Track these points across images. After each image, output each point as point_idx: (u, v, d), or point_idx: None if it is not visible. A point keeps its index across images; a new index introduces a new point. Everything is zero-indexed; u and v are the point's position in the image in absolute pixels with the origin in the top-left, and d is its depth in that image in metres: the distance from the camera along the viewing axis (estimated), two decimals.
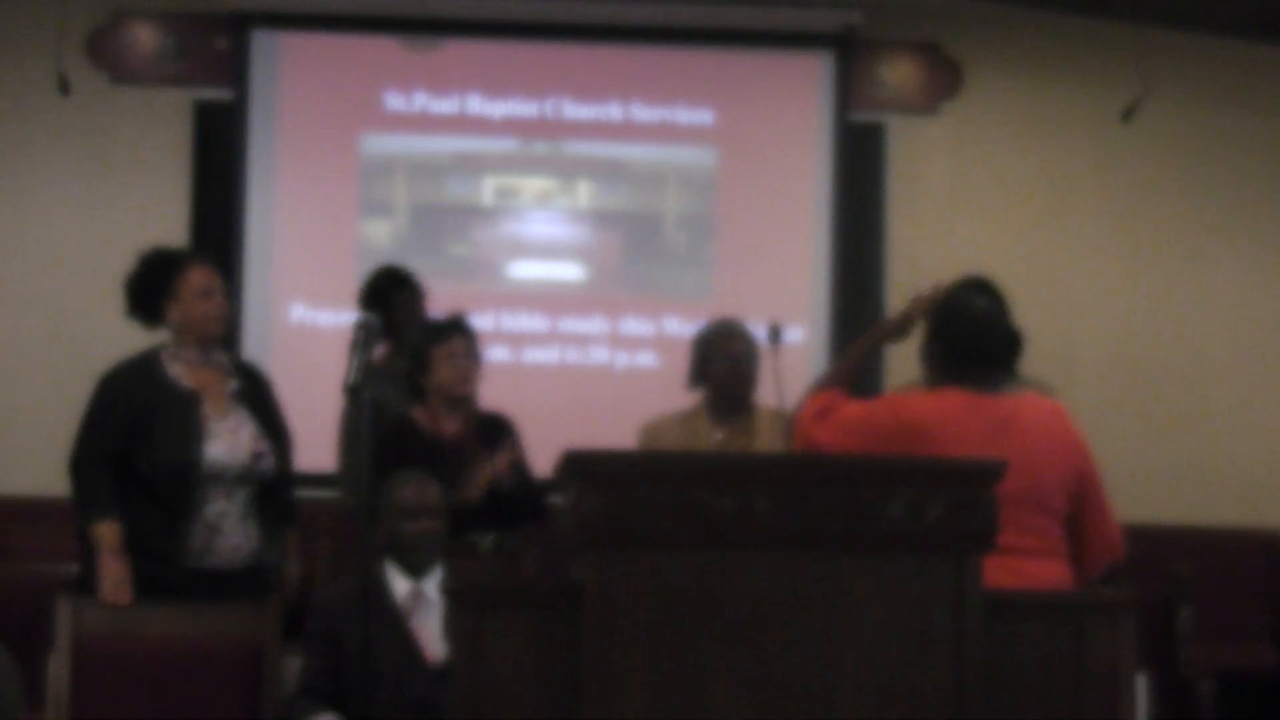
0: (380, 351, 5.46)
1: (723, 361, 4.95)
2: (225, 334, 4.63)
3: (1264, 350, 7.38)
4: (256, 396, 4.57)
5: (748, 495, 3.03)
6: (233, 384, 4.53)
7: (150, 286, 4.53)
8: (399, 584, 4.29)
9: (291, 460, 4.63)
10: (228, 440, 4.42)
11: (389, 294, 5.59)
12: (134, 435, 4.37)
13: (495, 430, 5.03)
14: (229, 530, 4.40)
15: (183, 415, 4.40)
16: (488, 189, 7.30)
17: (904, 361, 7.05)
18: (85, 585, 4.35)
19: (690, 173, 7.32)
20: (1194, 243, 7.42)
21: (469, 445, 4.94)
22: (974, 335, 3.84)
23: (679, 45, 7.31)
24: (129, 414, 4.38)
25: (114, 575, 4.27)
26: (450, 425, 4.97)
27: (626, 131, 7.29)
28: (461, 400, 4.99)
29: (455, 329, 5.04)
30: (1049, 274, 7.29)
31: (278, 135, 7.18)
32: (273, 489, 4.51)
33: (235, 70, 7.16)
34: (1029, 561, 3.64)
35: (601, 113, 7.29)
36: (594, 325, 7.24)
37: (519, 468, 5.00)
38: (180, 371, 4.47)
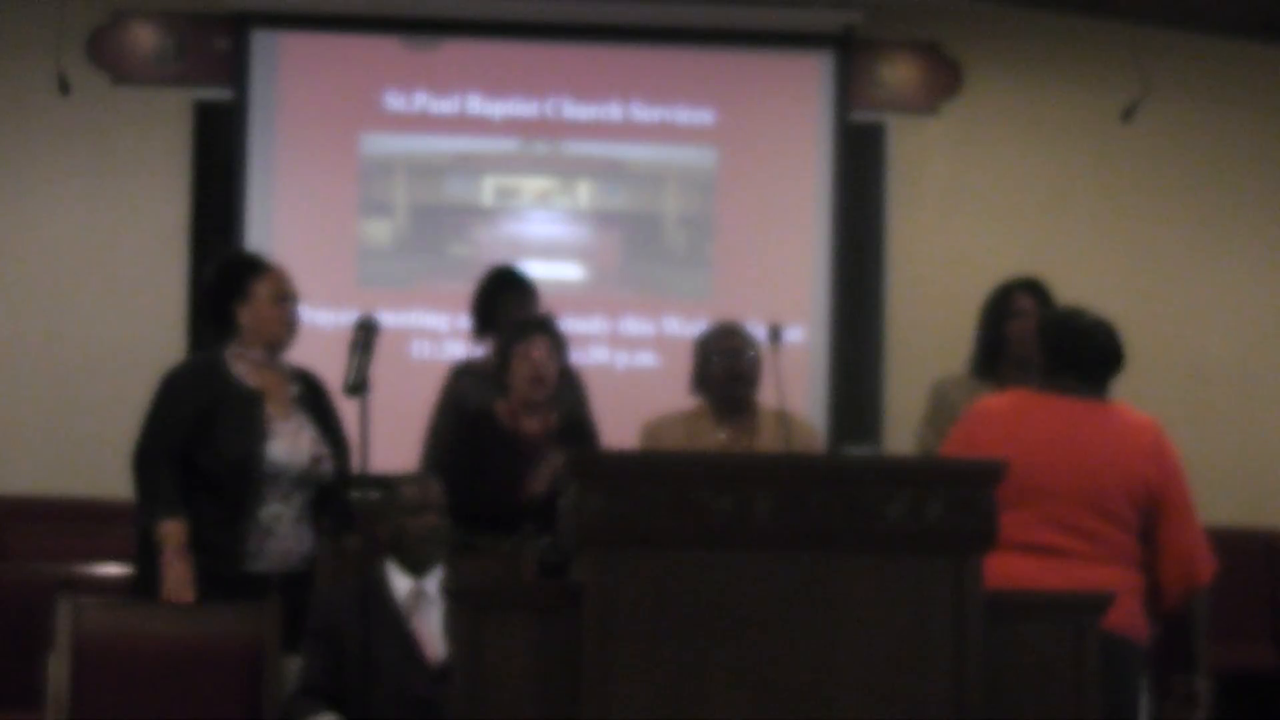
0: (486, 352, 5.41)
1: (723, 361, 4.95)
2: (293, 339, 4.61)
3: (1264, 350, 7.38)
4: (317, 403, 4.59)
5: (748, 495, 3.04)
6: (295, 389, 4.55)
7: (225, 289, 4.55)
8: (400, 583, 4.29)
9: (350, 468, 4.61)
10: (289, 441, 4.43)
11: (497, 295, 5.51)
12: (197, 430, 4.37)
13: (576, 438, 4.91)
14: (282, 533, 4.41)
15: (246, 412, 4.41)
16: (488, 189, 7.30)
17: (907, 362, 7.08)
18: (143, 586, 4.36)
19: (690, 173, 7.32)
20: (1194, 242, 7.42)
21: (548, 447, 4.84)
22: (1084, 351, 3.90)
23: (679, 45, 7.31)
24: (193, 410, 4.39)
25: (178, 575, 4.27)
26: (531, 424, 4.88)
27: (626, 131, 7.29)
28: (537, 402, 4.89)
29: (537, 328, 4.96)
30: (1049, 274, 7.20)
31: (278, 135, 7.18)
32: (331, 495, 4.52)
33: (235, 70, 7.15)
34: (1078, 566, 3.66)
35: (601, 113, 7.29)
36: (594, 325, 7.24)
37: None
38: (244, 370, 4.50)
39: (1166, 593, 3.89)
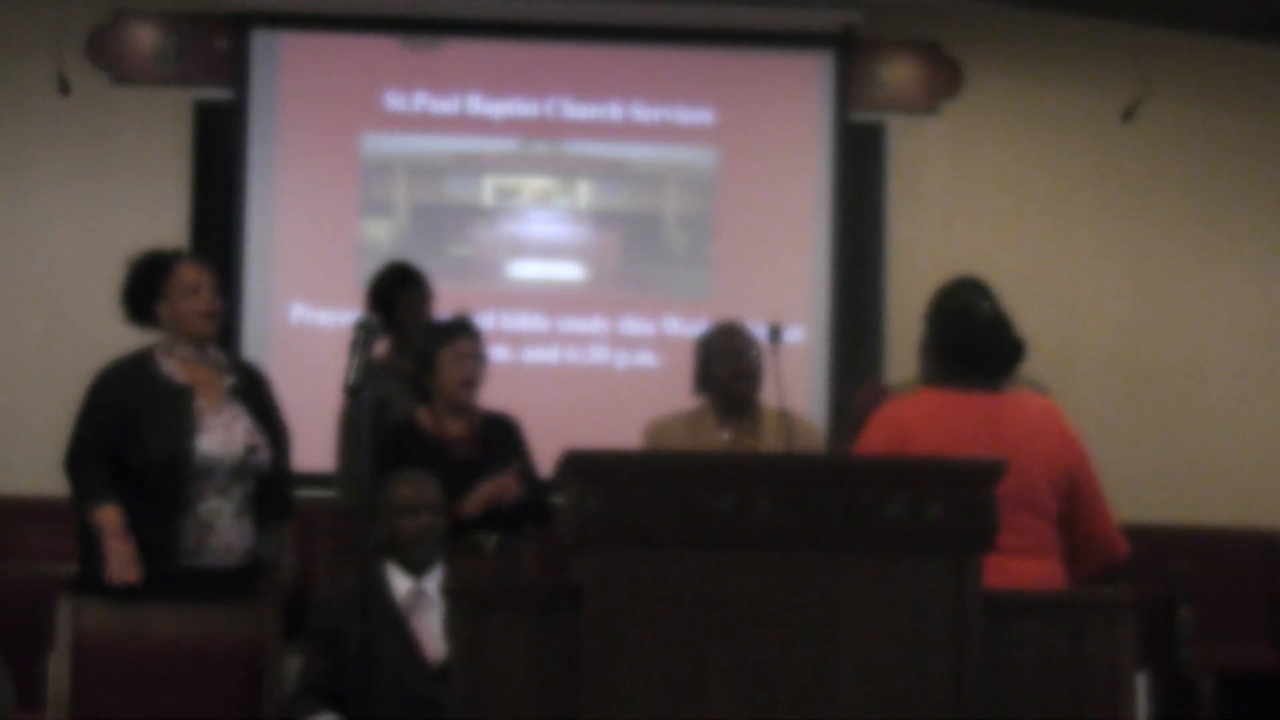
0: (383, 349, 5.44)
1: (726, 361, 4.95)
2: (217, 329, 4.60)
3: (1264, 350, 7.38)
4: (253, 393, 4.56)
5: (748, 495, 3.04)
6: (229, 380, 4.53)
7: (141, 290, 4.54)
8: (399, 583, 4.30)
9: (289, 456, 4.62)
10: (221, 434, 4.41)
11: (395, 291, 5.55)
12: (126, 430, 4.37)
13: (502, 432, 5.00)
14: (222, 528, 4.39)
15: (174, 409, 4.40)
16: (488, 189, 7.29)
17: (907, 362, 7.07)
18: (86, 583, 4.34)
19: (690, 173, 7.32)
20: (1194, 242, 7.42)
21: (475, 448, 4.93)
22: (977, 342, 3.83)
23: (679, 45, 7.31)
24: (122, 409, 4.39)
25: (120, 554, 4.28)
26: (455, 427, 4.93)
27: (626, 131, 7.28)
28: (466, 404, 4.96)
29: (462, 330, 5.00)
30: (1049, 274, 7.28)
31: (278, 135, 7.18)
32: (270, 485, 4.51)
33: (235, 70, 7.15)
34: (1012, 560, 3.64)
35: (601, 113, 7.29)
36: (594, 325, 7.24)
37: (527, 473, 4.99)
38: (173, 367, 4.48)
39: (1088, 566, 3.89)
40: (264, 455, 4.47)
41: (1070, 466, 3.81)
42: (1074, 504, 3.82)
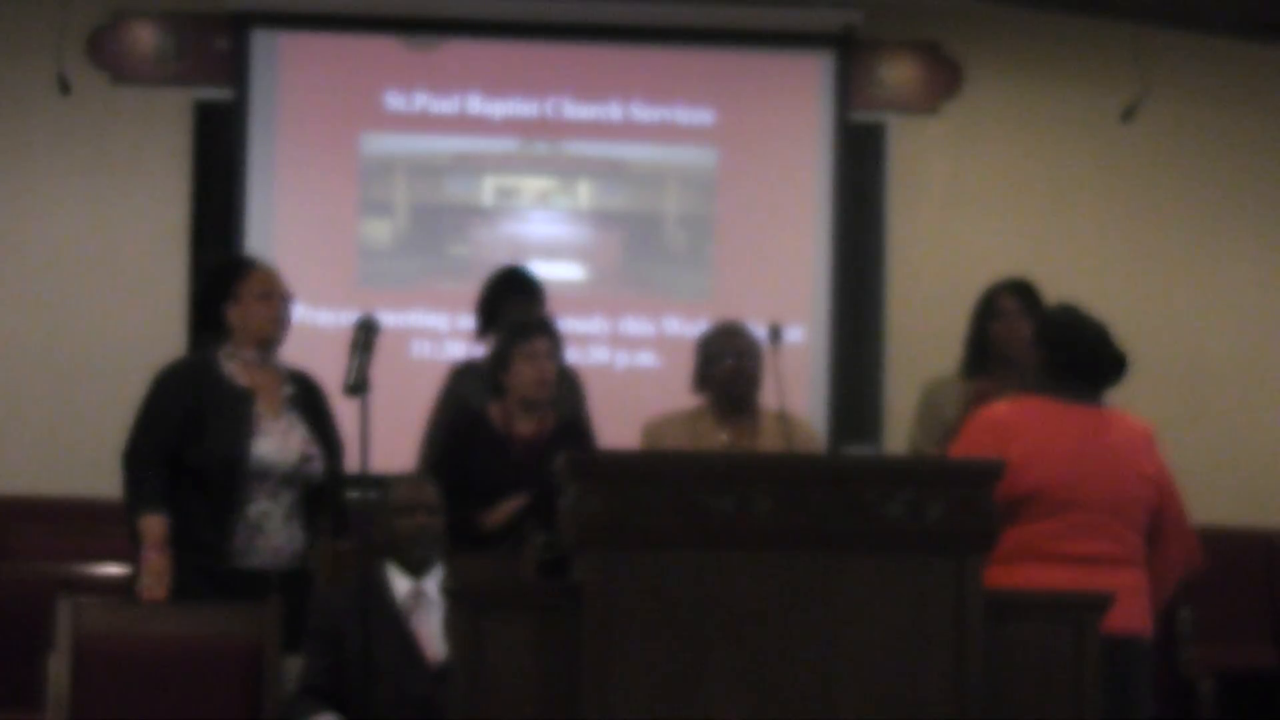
0: (488, 352, 5.39)
1: (726, 361, 4.95)
2: (284, 338, 4.64)
3: (1264, 350, 7.38)
4: (311, 404, 4.61)
5: (748, 495, 3.04)
6: (288, 389, 4.58)
7: (213, 292, 4.59)
8: (400, 583, 4.30)
9: (343, 469, 4.62)
10: (278, 440, 4.46)
11: (501, 299, 5.48)
12: (186, 430, 4.41)
13: (571, 439, 4.86)
14: (271, 531, 4.43)
15: (235, 411, 4.44)
16: (488, 189, 7.29)
17: (907, 362, 7.08)
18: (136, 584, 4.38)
19: (690, 173, 7.32)
20: (1194, 242, 7.41)
21: (538, 452, 4.79)
22: (1083, 355, 3.93)
23: (679, 45, 7.30)
24: (182, 409, 4.43)
25: (154, 570, 4.31)
26: (525, 426, 4.86)
27: (626, 131, 7.28)
28: (538, 403, 4.88)
29: (538, 329, 4.95)
30: (1049, 274, 7.21)
31: (278, 135, 7.17)
32: (324, 496, 4.54)
33: (235, 70, 7.15)
34: (1102, 569, 3.72)
35: (601, 113, 7.29)
36: (594, 325, 7.23)
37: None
38: (235, 370, 4.53)
39: (1170, 577, 3.96)
40: (317, 465, 4.52)
41: (1160, 485, 3.93)
42: (1159, 520, 3.93)
